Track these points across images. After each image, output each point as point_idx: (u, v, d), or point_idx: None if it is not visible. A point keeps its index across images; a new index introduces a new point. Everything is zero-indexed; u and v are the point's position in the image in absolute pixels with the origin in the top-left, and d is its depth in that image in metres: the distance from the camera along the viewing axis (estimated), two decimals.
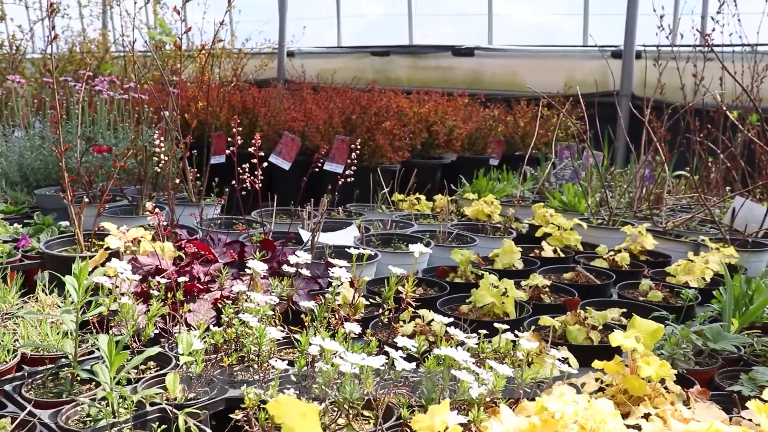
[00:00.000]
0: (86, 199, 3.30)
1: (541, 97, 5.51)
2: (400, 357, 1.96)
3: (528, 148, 4.94)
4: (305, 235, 3.47)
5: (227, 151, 3.38)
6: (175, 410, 1.93)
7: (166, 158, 3.50)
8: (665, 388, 2.18)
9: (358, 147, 3.51)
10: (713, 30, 4.87)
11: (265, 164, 3.78)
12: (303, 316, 2.37)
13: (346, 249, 2.61)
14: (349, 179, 3.41)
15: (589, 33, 8.43)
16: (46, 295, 2.84)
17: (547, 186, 5.42)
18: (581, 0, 8.67)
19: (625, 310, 2.87)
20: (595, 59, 7.23)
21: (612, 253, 3.78)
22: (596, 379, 2.25)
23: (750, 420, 1.94)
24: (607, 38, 8.13)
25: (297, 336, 2.12)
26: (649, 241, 3.93)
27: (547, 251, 3.85)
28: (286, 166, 4.91)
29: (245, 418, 1.88)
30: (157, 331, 2.49)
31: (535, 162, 6.13)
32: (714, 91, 4.77)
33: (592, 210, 4.70)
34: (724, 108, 4.81)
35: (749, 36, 5.37)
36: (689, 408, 2.04)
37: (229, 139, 3.40)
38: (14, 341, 2.41)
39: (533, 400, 2.04)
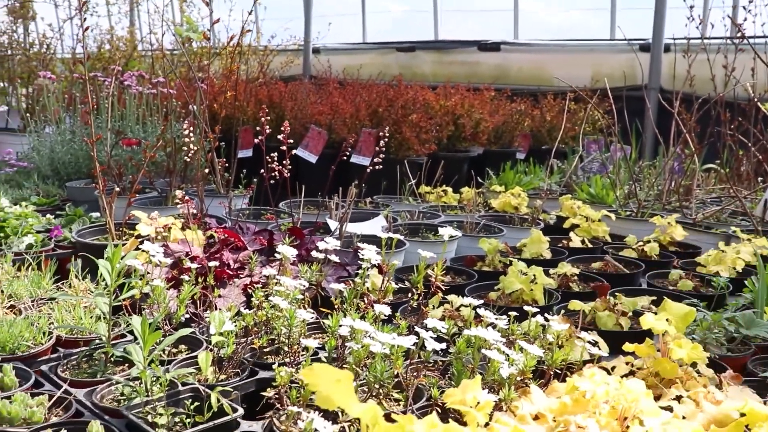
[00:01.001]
0: (117, 189, 3.34)
1: (568, 92, 5.48)
2: (431, 338, 1.97)
3: (555, 141, 4.92)
4: (333, 225, 3.48)
5: (256, 141, 3.41)
6: (207, 389, 1.95)
7: (195, 148, 3.53)
8: (697, 371, 2.16)
9: (387, 137, 3.51)
10: (745, 20, 4.81)
11: (291, 157, 3.81)
12: (333, 299, 2.38)
13: (375, 237, 2.62)
14: (377, 167, 3.42)
15: (617, 26, 8.37)
16: (80, 281, 2.88)
17: (575, 179, 5.39)
18: None
19: (654, 297, 2.85)
20: (622, 53, 7.18)
21: (641, 243, 3.75)
22: (626, 363, 2.23)
23: None
24: (635, 32, 8.06)
25: (326, 321, 2.13)
26: (679, 231, 3.89)
27: (575, 242, 3.83)
28: (312, 159, 4.94)
29: (276, 396, 1.89)
30: (188, 316, 2.51)
31: (562, 156, 6.10)
32: (745, 83, 4.71)
33: (620, 202, 4.67)
34: (756, 99, 4.76)
35: None
36: (722, 391, 2.02)
37: (258, 128, 3.43)
38: (49, 324, 2.45)
39: (563, 382, 2.04)
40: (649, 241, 3.76)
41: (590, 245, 3.87)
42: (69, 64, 7.31)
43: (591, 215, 4.10)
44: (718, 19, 5.20)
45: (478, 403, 1.55)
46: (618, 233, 4.15)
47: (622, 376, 2.19)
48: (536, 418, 1.84)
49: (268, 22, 9.99)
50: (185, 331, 2.18)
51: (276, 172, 3.29)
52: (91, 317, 2.52)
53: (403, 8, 11.59)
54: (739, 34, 4.48)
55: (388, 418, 1.24)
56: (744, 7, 4.89)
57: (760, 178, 5.00)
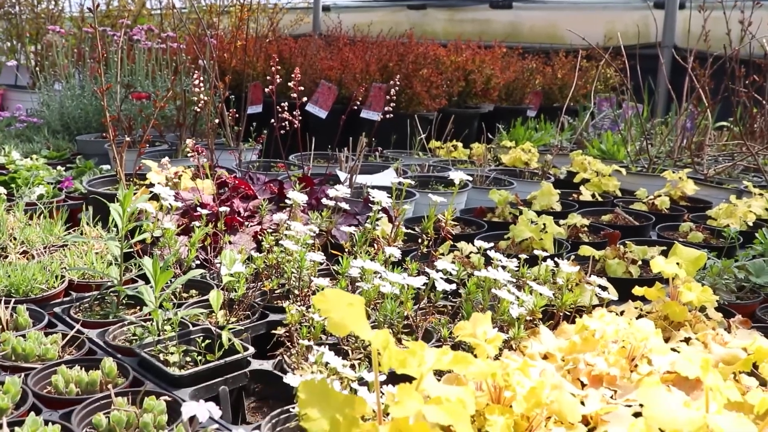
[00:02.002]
0: (127, 138, 3.34)
1: (580, 49, 5.42)
2: (441, 279, 1.97)
3: (566, 99, 4.88)
4: (343, 176, 3.48)
5: (267, 91, 3.39)
6: (218, 329, 1.97)
7: (206, 98, 3.52)
8: (706, 315, 2.17)
9: (396, 90, 3.49)
10: None
11: (302, 112, 3.80)
12: (343, 243, 2.39)
13: (385, 188, 2.61)
14: (387, 119, 3.41)
15: None
16: (91, 228, 2.90)
17: (586, 136, 5.35)
18: None
19: (665, 248, 2.85)
20: (636, 10, 7.08)
21: (651, 197, 3.74)
22: (636, 308, 2.24)
23: None
24: None
25: (336, 267, 2.14)
26: (690, 186, 3.88)
27: (586, 195, 3.82)
28: (323, 114, 4.91)
29: (287, 334, 1.91)
30: (198, 262, 2.53)
31: (573, 113, 6.06)
32: (762, 38, 4.64)
33: (632, 158, 4.65)
34: None
35: None
36: (730, 334, 2.03)
37: (268, 84, 3.41)
38: (61, 268, 2.47)
39: (572, 324, 2.04)
40: (659, 195, 3.75)
41: (600, 199, 3.86)
42: (78, 21, 7.27)
43: (602, 170, 4.09)
44: None
45: (490, 337, 1.55)
46: (628, 189, 4.13)
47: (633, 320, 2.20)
48: (545, 357, 1.86)
49: None
50: (196, 272, 2.19)
51: (286, 123, 3.28)
52: (102, 262, 2.54)
53: None
54: None
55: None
56: None
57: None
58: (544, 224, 2.82)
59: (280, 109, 3.23)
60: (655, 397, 1.24)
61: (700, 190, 3.99)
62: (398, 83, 3.79)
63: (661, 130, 5.27)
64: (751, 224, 3.39)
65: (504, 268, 2.08)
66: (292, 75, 3.21)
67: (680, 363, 1.40)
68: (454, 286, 1.99)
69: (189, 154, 3.05)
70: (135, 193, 2.99)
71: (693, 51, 4.83)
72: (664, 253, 2.84)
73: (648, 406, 1.22)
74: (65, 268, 2.49)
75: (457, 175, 2.29)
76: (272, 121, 3.39)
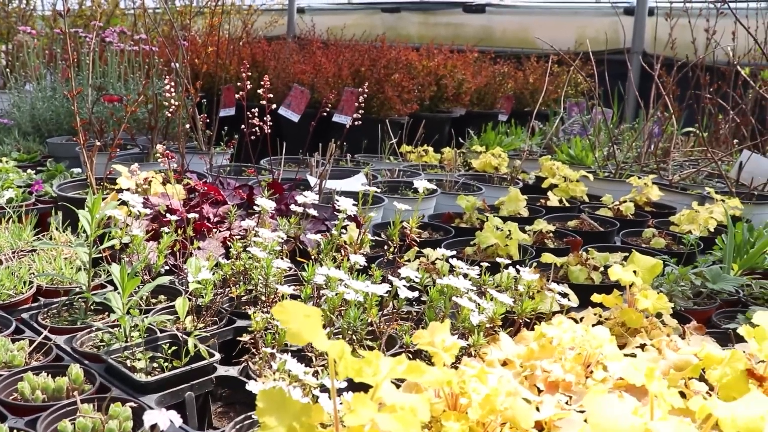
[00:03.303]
0: (98, 143, 3.35)
1: (551, 55, 5.50)
2: (404, 287, 2.02)
3: (537, 104, 4.95)
4: (313, 181, 3.51)
5: (237, 96, 3.42)
6: (185, 335, 2.00)
7: (177, 103, 3.54)
8: (662, 322, 2.23)
9: (368, 94, 3.53)
10: None
11: (274, 116, 3.83)
12: (310, 249, 2.43)
13: (354, 193, 2.66)
14: (357, 124, 3.45)
15: None
16: (60, 233, 2.91)
17: (555, 141, 5.43)
18: None
19: (627, 254, 2.91)
20: (607, 16, 7.18)
21: (617, 203, 3.82)
22: (595, 314, 2.30)
23: (744, 352, 1.99)
24: None
25: (303, 272, 2.18)
26: (655, 192, 3.96)
27: (553, 201, 3.89)
28: (295, 118, 4.94)
29: (252, 341, 1.94)
30: (167, 267, 2.55)
31: (544, 118, 6.14)
32: (726, 47, 4.75)
33: (599, 163, 4.73)
34: (736, 63, 4.80)
35: None
36: (685, 340, 2.09)
37: (239, 84, 3.44)
38: (30, 274, 2.48)
39: (533, 331, 2.10)
40: (625, 201, 3.82)
41: (568, 204, 3.93)
42: (49, 20, 7.23)
43: (569, 175, 4.16)
44: None
45: (447, 345, 1.60)
46: (596, 194, 4.20)
47: (591, 325, 2.26)
48: (504, 363, 1.91)
49: None
50: (164, 279, 2.22)
51: (257, 128, 3.31)
52: (71, 268, 2.55)
53: None
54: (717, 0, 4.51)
55: (358, 356, 1.29)
56: None
57: (736, 141, 5.06)
58: (510, 231, 2.87)
59: (250, 115, 3.26)
60: (600, 404, 1.29)
61: (664, 196, 4.07)
62: (370, 88, 3.84)
63: (629, 135, 5.36)
64: (712, 230, 3.47)
65: (466, 276, 2.13)
66: (261, 82, 3.24)
67: (627, 371, 1.46)
68: (417, 294, 2.04)
69: (159, 160, 3.07)
70: (105, 198, 3.02)
71: (660, 58, 4.93)
72: (627, 259, 2.92)
73: (592, 413, 1.27)
74: (34, 273, 2.51)
75: (420, 184, 2.34)
76: (243, 127, 3.41)
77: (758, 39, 5.05)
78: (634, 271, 2.18)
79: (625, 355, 1.95)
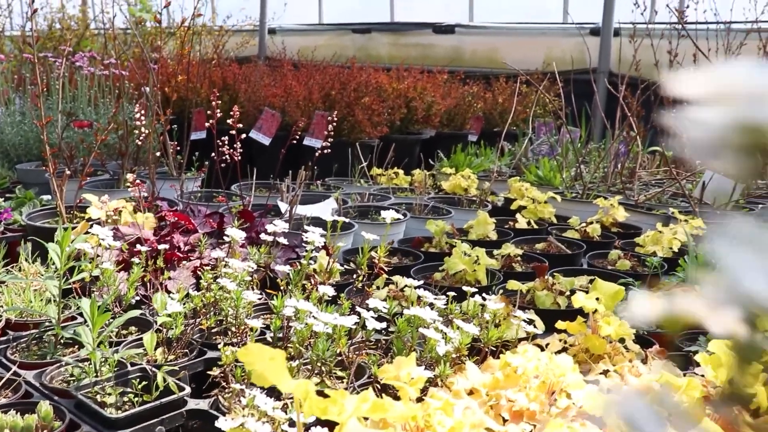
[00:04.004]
0: (68, 172, 3.35)
1: (519, 75, 5.59)
2: (372, 318, 2.05)
3: (506, 124, 5.03)
4: (284, 207, 3.54)
5: (209, 124, 3.44)
6: (155, 369, 2.01)
7: (147, 131, 3.55)
8: (625, 347, 2.29)
9: (339, 119, 3.58)
10: (687, 7, 4.95)
11: (245, 139, 3.85)
12: (279, 280, 2.45)
13: (323, 219, 2.69)
14: (328, 150, 3.48)
15: (569, 10, 8.49)
16: (29, 264, 2.90)
17: (524, 161, 5.51)
18: None
19: (593, 277, 2.97)
20: (574, 37, 7.31)
21: (584, 224, 3.88)
22: (560, 340, 2.35)
23: (702, 376, 2.05)
24: (589, 14, 8.18)
25: (273, 302, 2.20)
26: (621, 213, 4.03)
27: (521, 223, 3.95)
28: (266, 141, 4.97)
29: (222, 375, 1.96)
30: (138, 298, 2.56)
31: (513, 138, 6.22)
32: (688, 68, 4.86)
33: (567, 184, 4.80)
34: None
35: (723, 13, 5.47)
36: (646, 365, 2.15)
37: (209, 112, 3.46)
38: None
39: (499, 358, 2.14)
40: (592, 223, 3.89)
41: (536, 226, 3.99)
42: (18, 42, 7.20)
43: (537, 197, 4.22)
44: (663, 4, 5.34)
45: (413, 378, 1.63)
46: (564, 215, 4.27)
47: (555, 352, 2.31)
48: (471, 393, 1.95)
49: (224, 1, 9.92)
50: (133, 313, 2.23)
51: (227, 156, 3.33)
52: (41, 300, 2.55)
53: None
54: (678, 22, 4.62)
55: (323, 394, 1.32)
56: None
57: (698, 161, 5.16)
58: (477, 256, 2.92)
59: (220, 143, 3.29)
60: None
61: (631, 216, 4.15)
62: (340, 111, 3.88)
63: (597, 155, 5.45)
64: (676, 250, 3.55)
65: (432, 306, 2.17)
66: (231, 112, 3.27)
67: (588, 400, 1.50)
68: (384, 325, 2.07)
69: (130, 190, 3.08)
70: (75, 228, 3.02)
71: (625, 79, 5.03)
72: (593, 282, 2.98)
73: None
74: (2, 306, 2.50)
75: (388, 215, 2.38)
76: (212, 155, 3.44)
77: (719, 59, 5.18)
78: (597, 298, 2.24)
79: (589, 381, 2.00)
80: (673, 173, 4.43)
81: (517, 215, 4.03)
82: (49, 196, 3.95)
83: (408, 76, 6.14)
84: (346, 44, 9.44)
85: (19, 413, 1.82)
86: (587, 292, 2.45)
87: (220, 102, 3.66)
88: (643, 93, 5.03)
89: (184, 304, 2.27)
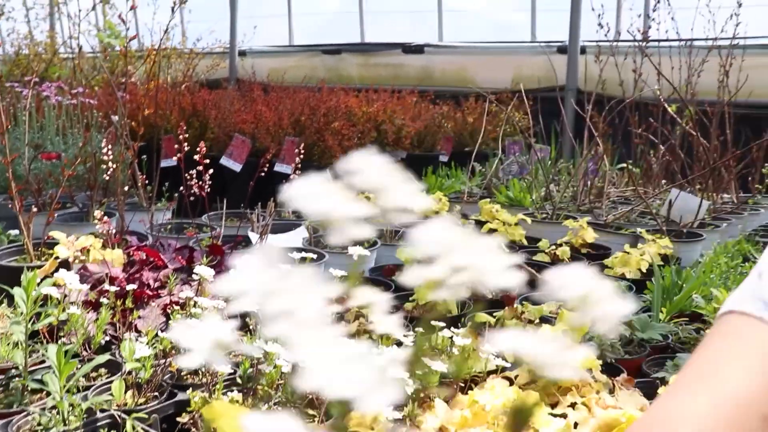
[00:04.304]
0: (35, 209, 3.33)
1: (488, 94, 5.64)
2: None
3: (477, 144, 5.07)
4: (254, 238, 3.54)
5: (176, 156, 3.44)
6: (124, 415, 2.00)
7: (115, 165, 3.54)
8: (593, 377, 2.32)
9: (302, 151, 3.60)
10: (650, 27, 5.04)
11: (217, 166, 3.85)
12: (248, 320, 2.45)
13: (292, 251, 2.70)
14: (298, 172, 3.50)
15: (537, 29, 8.60)
16: None
17: (495, 182, 5.55)
18: None
19: (561, 303, 3.00)
20: (542, 55, 7.40)
21: (554, 247, 3.92)
22: (529, 371, 2.37)
23: None
24: (557, 33, 8.29)
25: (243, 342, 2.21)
26: (590, 234, 4.07)
27: None
28: (237, 167, 4.97)
29: (191, 421, 1.96)
30: (108, 338, 2.55)
31: (484, 158, 6.27)
32: (654, 86, 4.94)
33: (537, 205, 4.85)
34: (663, 101, 4.99)
35: (684, 31, 5.58)
36: (614, 396, 2.18)
37: (177, 146, 3.46)
38: None
39: (468, 392, 2.16)
40: (561, 245, 3.93)
41: (507, 249, 4.02)
42: None
43: (508, 219, 4.25)
44: (628, 24, 5.43)
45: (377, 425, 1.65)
46: (535, 236, 4.30)
47: (524, 384, 2.33)
48: (440, 430, 1.96)
49: (194, 24, 9.91)
50: (102, 359, 2.22)
51: (196, 189, 3.33)
52: (8, 344, 2.53)
53: (331, 9, 11.63)
54: (642, 40, 4.70)
55: None
56: (648, 15, 5.13)
57: (664, 181, 5.25)
58: None
59: (188, 177, 3.29)
60: None
61: (600, 237, 4.18)
62: (311, 136, 3.89)
63: (566, 174, 5.51)
64: (644, 271, 3.59)
65: (399, 344, 2.18)
66: (200, 143, 3.27)
67: None
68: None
69: (98, 226, 3.07)
70: (43, 266, 3.00)
71: (592, 97, 5.09)
72: (561, 307, 3.01)
73: None
74: None
75: (355, 250, 2.39)
76: (182, 189, 3.43)
77: (683, 76, 5.27)
78: (564, 331, 2.26)
79: (556, 415, 2.02)
80: (638, 192, 4.49)
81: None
82: (16, 231, 3.91)
83: (378, 99, 6.18)
84: (316, 65, 9.47)
85: None
86: (554, 323, 2.48)
87: (190, 128, 3.66)
88: (609, 111, 5.10)
89: (153, 345, 2.27)
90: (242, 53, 10.22)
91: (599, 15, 5.01)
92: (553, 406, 2.14)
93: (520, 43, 8.63)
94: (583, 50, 7.37)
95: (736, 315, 0.86)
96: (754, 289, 0.87)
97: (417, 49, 8.88)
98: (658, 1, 5.27)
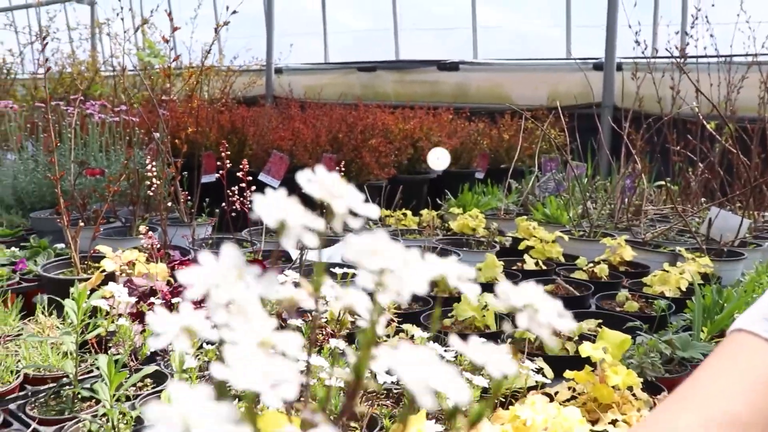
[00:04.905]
0: (81, 223, 3.42)
1: (524, 111, 5.66)
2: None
3: (512, 161, 5.08)
4: (294, 253, 3.59)
5: (218, 174, 3.51)
6: None
7: (158, 183, 3.63)
8: (634, 395, 2.31)
9: (343, 167, 3.65)
10: (687, 44, 5.03)
11: (256, 182, 3.92)
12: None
13: (333, 267, 2.74)
14: None
15: (572, 45, 8.59)
16: (46, 317, 2.95)
17: (531, 199, 5.55)
18: (564, 11, 8.85)
19: (600, 321, 3.00)
20: (578, 71, 7.39)
21: (591, 264, 3.91)
22: (569, 388, 2.38)
23: None
24: (592, 49, 8.28)
25: None
26: (628, 252, 4.06)
27: (529, 264, 3.98)
28: (275, 184, 5.03)
29: None
30: (153, 350, 2.61)
31: (520, 174, 6.27)
32: (692, 102, 4.92)
33: (574, 222, 4.84)
34: (701, 119, 4.97)
35: (723, 47, 5.55)
36: None
37: (218, 162, 3.53)
38: (17, 362, 2.53)
39: (509, 407, 2.17)
40: (599, 262, 3.92)
41: (544, 267, 4.02)
42: (30, 88, 7.34)
43: (545, 237, 4.25)
44: (666, 40, 5.42)
45: None
46: (572, 253, 4.30)
47: (564, 401, 2.34)
48: None
49: (231, 41, 10.09)
50: (150, 369, 2.27)
51: (237, 205, 3.40)
52: (58, 354, 2.60)
53: (365, 26, 11.74)
54: (680, 56, 4.69)
55: None
56: (686, 33, 5.11)
57: (703, 199, 5.20)
58: (486, 302, 2.96)
59: (230, 193, 3.35)
60: None
61: (638, 255, 4.17)
62: (348, 154, 3.94)
63: (602, 192, 5.49)
64: (684, 289, 3.57)
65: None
66: (241, 160, 3.34)
67: None
68: (395, 378, 2.11)
69: (142, 240, 3.14)
70: (89, 278, 3.08)
71: (629, 113, 5.08)
72: (601, 326, 3.01)
73: None
74: (21, 361, 2.55)
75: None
76: (223, 204, 3.50)
77: (722, 93, 5.24)
78: (604, 348, 2.27)
79: (598, 431, 2.03)
80: (677, 210, 4.46)
81: (525, 256, 4.06)
82: (63, 245, 4.01)
83: (414, 116, 6.22)
84: (352, 82, 9.55)
85: None
86: (594, 339, 2.48)
87: (229, 145, 3.73)
88: (647, 128, 5.08)
89: (198, 357, 2.32)
90: (278, 71, 10.35)
91: (636, 32, 5.00)
92: (594, 423, 2.15)
93: (555, 60, 8.63)
94: (620, 67, 7.35)
95: (744, 334, 0.88)
96: (765, 310, 0.89)
97: (452, 66, 8.91)
98: (696, 18, 5.25)
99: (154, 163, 3.51)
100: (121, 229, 4.19)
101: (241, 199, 3.33)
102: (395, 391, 2.36)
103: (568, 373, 2.26)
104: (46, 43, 3.51)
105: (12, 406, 2.28)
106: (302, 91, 8.83)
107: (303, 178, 0.60)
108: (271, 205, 0.57)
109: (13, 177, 5.07)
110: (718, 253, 4.18)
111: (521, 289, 0.61)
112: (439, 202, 5.58)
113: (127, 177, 4.21)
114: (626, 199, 5.04)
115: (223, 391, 0.52)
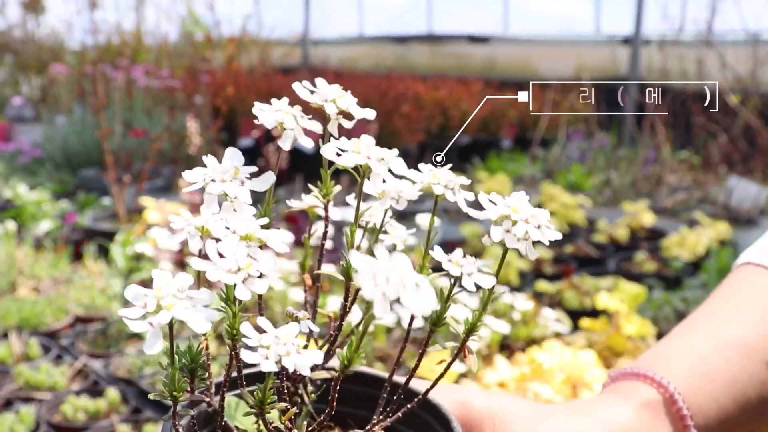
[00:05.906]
0: (125, 180, 3.61)
1: (552, 83, 5.75)
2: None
3: (539, 131, 5.18)
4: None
5: (254, 136, 3.67)
6: (212, 358, 2.23)
7: (198, 144, 3.80)
8: (648, 344, 2.44)
9: (379, 127, 3.78)
10: (714, 19, 5.07)
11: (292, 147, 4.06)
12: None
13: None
14: None
15: (600, 20, 8.59)
16: (94, 263, 3.15)
17: (557, 166, 5.65)
18: None
19: (618, 278, 3.12)
20: (604, 46, 7.42)
21: (612, 228, 4.02)
22: (585, 338, 2.51)
23: None
24: (621, 23, 8.27)
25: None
26: (648, 217, 4.14)
27: None
28: (310, 145, 5.18)
29: None
30: None
31: (546, 144, 6.36)
32: (716, 77, 4.97)
33: (597, 189, 4.94)
34: (727, 92, 5.01)
35: (752, 23, 5.57)
36: None
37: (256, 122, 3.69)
38: (67, 303, 2.73)
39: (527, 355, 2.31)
40: (619, 226, 4.02)
41: (568, 229, 4.13)
42: (79, 56, 7.55)
43: (568, 202, 4.35)
44: (693, 15, 5.46)
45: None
46: (594, 218, 4.40)
47: (579, 349, 2.47)
48: (500, 385, 2.12)
49: (269, 14, 10.22)
50: None
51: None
52: (104, 297, 2.80)
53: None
54: (707, 31, 4.74)
55: None
56: (713, 9, 5.15)
57: (723, 168, 5.26)
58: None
59: (266, 153, 3.52)
60: None
61: (657, 221, 4.26)
62: (380, 119, 4.08)
63: (625, 162, 5.58)
64: (701, 254, 3.66)
65: (466, 306, 2.35)
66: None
67: None
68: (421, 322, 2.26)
69: (183, 195, 3.32)
70: (134, 229, 3.26)
71: (654, 88, 5.13)
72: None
73: None
74: (71, 302, 2.75)
75: (422, 220, 2.56)
76: (258, 162, 3.67)
77: (745, 67, 5.27)
78: (620, 299, 2.40)
79: None
80: (698, 180, 4.54)
81: None
82: (108, 199, 4.21)
83: (444, 86, 6.32)
84: (385, 54, 9.64)
85: (89, 397, 2.05)
86: (611, 293, 2.62)
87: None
88: (672, 101, 5.14)
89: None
90: (315, 42, 10.45)
91: (664, 7, 5.05)
92: (608, 369, 2.28)
93: (583, 35, 8.64)
94: (647, 41, 7.36)
95: (751, 266, 0.90)
96: None
97: (483, 40, 8.95)
98: None
99: (195, 125, 3.68)
100: (162, 187, 4.39)
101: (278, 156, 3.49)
102: (420, 337, 2.52)
103: (584, 322, 2.40)
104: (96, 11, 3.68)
105: (64, 342, 2.48)
106: (337, 62, 8.94)
107: (298, 87, 0.62)
108: (270, 110, 0.60)
109: (63, 138, 5.29)
110: (736, 220, 4.25)
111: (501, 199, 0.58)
112: (467, 167, 5.70)
113: (169, 137, 4.39)
114: (649, 169, 5.12)
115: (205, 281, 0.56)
